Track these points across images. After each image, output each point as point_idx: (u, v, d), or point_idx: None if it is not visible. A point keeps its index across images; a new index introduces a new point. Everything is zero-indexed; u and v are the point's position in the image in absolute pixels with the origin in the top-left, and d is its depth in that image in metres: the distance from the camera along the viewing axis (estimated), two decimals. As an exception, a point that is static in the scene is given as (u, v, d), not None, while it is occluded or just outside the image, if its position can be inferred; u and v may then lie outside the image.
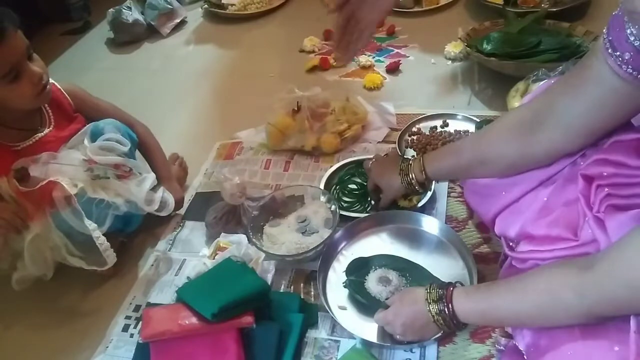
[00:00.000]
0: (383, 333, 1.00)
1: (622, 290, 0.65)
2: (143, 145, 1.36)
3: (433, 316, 0.87)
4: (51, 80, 1.18)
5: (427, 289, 0.90)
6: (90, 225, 1.11)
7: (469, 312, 0.85)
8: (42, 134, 1.21)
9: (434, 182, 1.17)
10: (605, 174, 0.81)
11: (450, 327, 0.88)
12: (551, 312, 0.73)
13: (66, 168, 1.15)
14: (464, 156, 0.99)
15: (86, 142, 1.21)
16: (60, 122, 1.24)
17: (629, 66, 0.73)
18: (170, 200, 1.25)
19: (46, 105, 1.22)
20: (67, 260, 1.14)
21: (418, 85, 1.77)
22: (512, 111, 0.95)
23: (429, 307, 0.88)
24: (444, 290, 0.88)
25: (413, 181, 1.09)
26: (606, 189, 0.80)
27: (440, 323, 0.87)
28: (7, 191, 1.11)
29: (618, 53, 0.73)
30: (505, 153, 0.92)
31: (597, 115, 0.80)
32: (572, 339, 0.70)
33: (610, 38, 0.74)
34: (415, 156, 1.14)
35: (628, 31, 0.71)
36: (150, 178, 1.23)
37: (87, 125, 1.27)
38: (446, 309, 0.86)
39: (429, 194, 1.26)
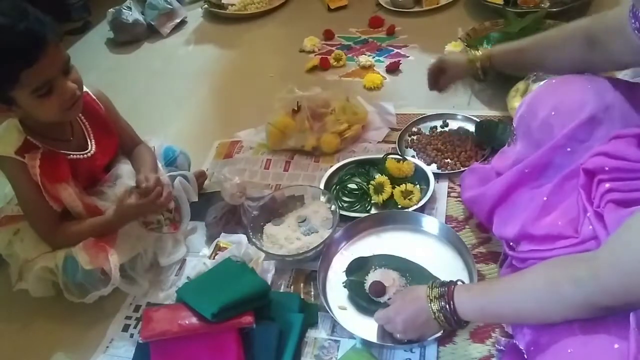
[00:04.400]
0: (383, 333, 1.00)
1: (618, 278, 0.65)
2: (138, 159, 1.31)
3: (434, 313, 0.87)
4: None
5: (429, 286, 0.90)
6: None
7: (470, 308, 0.85)
8: (92, 151, 1.19)
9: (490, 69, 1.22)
10: (607, 168, 0.81)
11: (451, 325, 0.87)
12: (549, 304, 0.73)
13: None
14: (525, 53, 1.12)
15: (159, 164, 1.30)
16: (98, 132, 1.21)
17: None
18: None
19: (81, 115, 1.18)
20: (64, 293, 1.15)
21: (418, 85, 1.76)
22: (574, 25, 1.04)
23: (430, 304, 0.87)
24: (445, 288, 0.87)
25: (476, 63, 1.21)
26: (607, 185, 0.80)
27: (441, 320, 0.87)
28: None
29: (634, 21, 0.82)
30: (563, 51, 1.03)
31: (625, 62, 0.97)
32: (572, 336, 0.70)
33: (634, 10, 0.81)
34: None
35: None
36: (184, 251, 1.28)
37: (160, 143, 1.36)
38: (447, 306, 0.85)
39: (429, 194, 1.26)
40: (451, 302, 0.85)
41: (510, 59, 1.18)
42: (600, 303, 0.68)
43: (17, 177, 1.10)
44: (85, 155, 1.18)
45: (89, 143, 1.20)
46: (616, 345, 0.64)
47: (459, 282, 0.89)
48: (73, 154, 1.15)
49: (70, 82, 1.03)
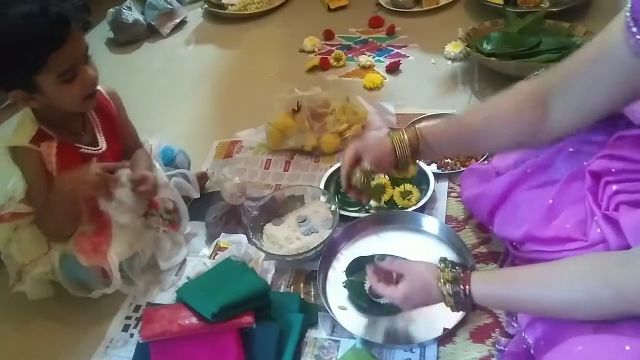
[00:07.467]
0: (384, 334, 1.00)
1: None
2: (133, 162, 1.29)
3: (445, 296, 0.82)
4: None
5: (440, 268, 0.84)
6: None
7: (487, 297, 0.81)
8: (103, 148, 1.19)
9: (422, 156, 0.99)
10: (614, 169, 0.80)
11: (460, 309, 0.84)
12: (582, 307, 0.70)
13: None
14: (466, 127, 0.93)
15: (156, 163, 1.29)
16: (107, 131, 1.21)
17: None
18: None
19: (92, 112, 1.19)
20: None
21: (418, 85, 1.77)
22: (525, 83, 0.90)
23: (442, 288, 0.82)
24: (459, 272, 0.82)
25: (404, 143, 0.94)
26: (614, 187, 0.79)
27: (451, 304, 0.83)
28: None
29: None
30: (512, 129, 0.88)
31: (612, 95, 0.78)
32: (584, 334, 0.69)
33: (635, 17, 0.69)
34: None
35: None
36: (184, 253, 1.27)
37: (157, 143, 1.35)
38: (462, 293, 0.80)
39: (429, 193, 1.26)
40: (467, 287, 0.80)
41: (448, 139, 0.95)
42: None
43: (30, 166, 1.10)
44: (96, 151, 1.18)
45: (100, 140, 1.20)
46: (627, 347, 0.63)
47: (473, 266, 0.85)
48: (85, 148, 1.16)
49: (91, 70, 1.06)
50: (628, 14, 0.69)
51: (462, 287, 0.81)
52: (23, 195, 1.16)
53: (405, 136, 0.94)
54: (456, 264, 0.85)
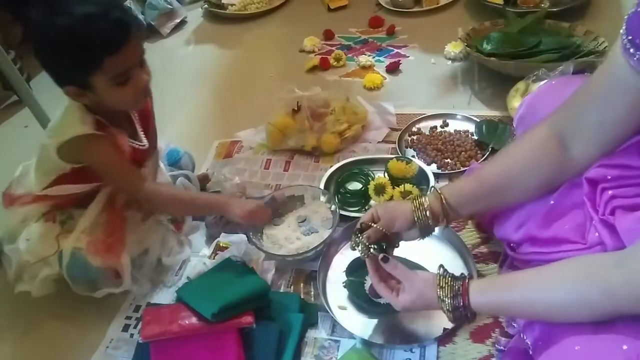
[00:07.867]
0: (384, 334, 1.00)
1: None
2: None
3: (445, 312, 0.83)
4: None
5: (439, 285, 0.84)
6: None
7: (485, 307, 0.82)
8: (147, 145, 1.19)
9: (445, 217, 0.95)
10: (609, 177, 0.81)
11: (460, 322, 0.85)
12: (575, 310, 0.70)
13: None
14: (487, 183, 0.91)
15: (161, 163, 1.29)
16: (143, 127, 1.21)
17: None
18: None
19: None
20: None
21: (418, 85, 1.77)
22: (533, 131, 0.88)
23: (441, 304, 0.83)
24: (458, 286, 0.82)
25: (423, 206, 0.92)
26: (610, 192, 0.80)
27: (451, 319, 0.84)
28: None
29: None
30: (536, 176, 0.87)
31: (629, 120, 0.76)
32: (581, 334, 0.69)
33: (631, 37, 0.70)
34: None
35: None
36: (188, 252, 1.27)
37: (165, 145, 1.35)
38: (461, 308, 0.81)
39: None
40: (466, 300, 0.81)
41: (471, 198, 0.93)
42: (631, 313, 0.66)
43: (106, 152, 1.09)
44: (142, 146, 1.18)
45: (141, 136, 1.20)
46: (624, 347, 0.63)
47: (469, 276, 0.84)
48: (132, 142, 1.16)
49: (144, 74, 1.07)
50: (624, 37, 0.70)
51: (461, 303, 0.81)
52: (44, 184, 1.15)
53: (426, 199, 0.93)
54: (454, 277, 0.85)
